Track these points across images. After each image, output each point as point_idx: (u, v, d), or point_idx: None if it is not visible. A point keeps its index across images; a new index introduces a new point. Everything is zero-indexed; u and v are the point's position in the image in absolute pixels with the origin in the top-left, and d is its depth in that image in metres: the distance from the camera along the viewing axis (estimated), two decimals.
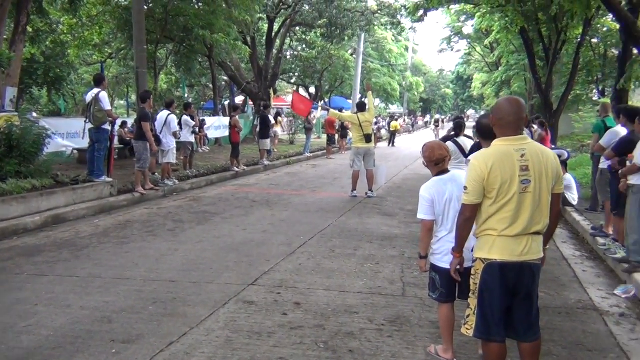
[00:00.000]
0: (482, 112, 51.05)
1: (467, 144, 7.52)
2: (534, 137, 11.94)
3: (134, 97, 30.06)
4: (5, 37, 13.32)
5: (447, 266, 3.56)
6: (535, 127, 11.92)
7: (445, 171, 3.80)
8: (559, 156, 7.51)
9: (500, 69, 33.40)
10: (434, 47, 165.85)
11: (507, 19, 18.10)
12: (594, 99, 26.43)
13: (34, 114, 11.04)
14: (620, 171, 5.88)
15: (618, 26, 15.63)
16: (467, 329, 3.21)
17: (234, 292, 5.03)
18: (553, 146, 12.70)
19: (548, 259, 6.30)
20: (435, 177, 3.78)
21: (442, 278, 3.66)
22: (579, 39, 18.50)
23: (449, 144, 7.29)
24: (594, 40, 22.94)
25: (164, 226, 7.87)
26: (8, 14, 12.65)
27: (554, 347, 4.04)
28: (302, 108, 13.84)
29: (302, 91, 37.37)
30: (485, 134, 4.30)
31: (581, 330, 4.37)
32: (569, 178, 9.22)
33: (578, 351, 4.00)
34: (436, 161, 3.77)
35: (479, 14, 22.08)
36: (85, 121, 9.84)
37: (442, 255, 3.67)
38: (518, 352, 3.24)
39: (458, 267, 3.34)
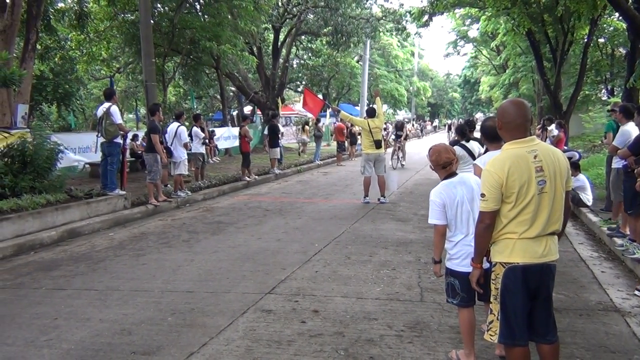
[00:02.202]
0: (491, 115, 51.00)
1: (476, 147, 7.49)
2: (549, 139, 11.90)
3: (143, 111, 30.35)
4: (15, 54, 13.50)
5: (466, 270, 3.54)
6: (550, 128, 11.87)
7: (453, 174, 3.78)
8: (570, 158, 7.48)
9: (507, 71, 33.37)
10: (440, 52, 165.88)
11: (513, 21, 18.10)
12: (603, 98, 26.33)
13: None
14: (635, 170, 5.84)
15: (624, 25, 15.62)
16: (490, 335, 3.18)
17: (252, 301, 5.03)
18: (565, 147, 12.63)
19: (566, 261, 6.32)
20: (444, 181, 3.76)
21: (463, 283, 3.61)
22: (585, 39, 18.46)
23: (457, 148, 7.26)
24: (601, 40, 22.87)
25: (179, 237, 7.90)
26: (17, 32, 12.83)
27: (577, 349, 4.00)
28: (312, 107, 13.81)
29: None
30: (491, 136, 4.28)
31: (603, 332, 4.33)
32: (582, 179, 9.17)
33: (601, 353, 3.96)
34: (443, 164, 3.76)
35: (484, 17, 22.12)
36: (97, 135, 9.93)
37: (460, 260, 3.64)
38: (538, 355, 3.21)
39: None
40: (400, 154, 19.89)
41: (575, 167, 9.24)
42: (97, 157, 11.18)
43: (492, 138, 4.27)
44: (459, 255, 3.65)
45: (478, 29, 33.43)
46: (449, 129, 42.52)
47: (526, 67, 28.97)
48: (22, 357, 3.93)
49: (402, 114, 59.86)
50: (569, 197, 3.16)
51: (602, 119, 22.96)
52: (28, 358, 3.92)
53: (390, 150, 19.15)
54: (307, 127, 23.84)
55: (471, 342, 3.72)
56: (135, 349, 4.03)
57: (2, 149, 8.88)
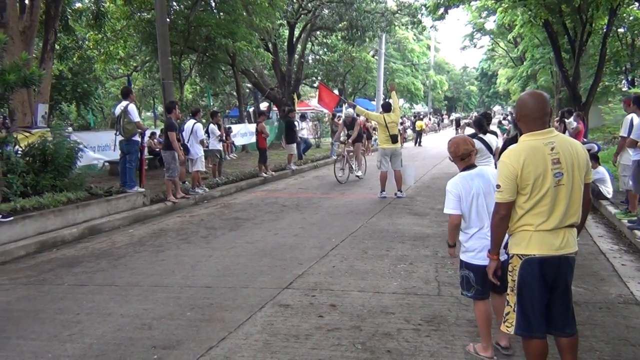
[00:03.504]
0: (509, 108, 50.46)
1: (494, 141, 7.44)
2: (568, 131, 11.77)
3: (160, 108, 30.59)
4: (34, 55, 13.70)
5: (481, 263, 3.57)
6: (568, 120, 11.73)
7: (472, 166, 3.78)
8: (589, 150, 7.40)
9: (525, 63, 32.97)
10: (457, 45, 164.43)
11: (530, 12, 17.91)
12: (623, 89, 25.90)
13: (69, 129, 11.70)
14: None
15: None
16: (507, 326, 3.18)
17: (270, 296, 5.07)
18: (585, 139, 12.47)
19: (585, 254, 6.27)
20: (462, 172, 3.77)
21: (477, 275, 3.64)
22: (604, 29, 18.18)
23: (475, 141, 7.21)
24: (620, 30, 22.50)
25: (197, 233, 7.98)
26: (36, 33, 13.01)
27: (596, 342, 3.97)
28: (327, 102, 13.78)
29: None
30: None
31: (624, 325, 4.29)
32: (602, 171, 9.06)
33: (621, 346, 3.93)
34: (462, 156, 3.76)
35: (500, 9, 21.87)
36: (115, 134, 10.04)
37: (475, 253, 3.65)
38: (556, 347, 3.20)
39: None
40: (354, 163, 14.26)
41: (595, 159, 9.13)
42: (116, 155, 11.33)
43: None
44: (474, 248, 3.66)
45: (494, 21, 33.12)
46: (457, 124, 35.60)
47: (544, 58, 28.62)
48: (45, 352, 4.01)
49: (418, 108, 59.53)
50: (588, 189, 3.14)
51: (622, 110, 22.61)
52: (52, 352, 4.00)
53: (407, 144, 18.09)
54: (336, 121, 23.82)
55: (488, 334, 3.73)
56: (156, 344, 4.09)
57: (23, 148, 9.04)
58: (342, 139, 15.00)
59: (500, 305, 3.77)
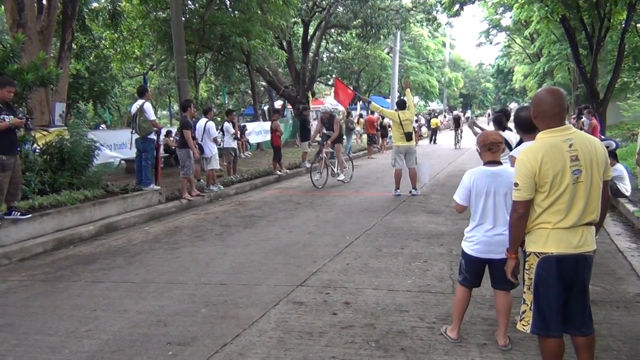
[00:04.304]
0: (525, 105, 49.94)
1: (513, 137, 7.37)
2: (585, 129, 11.64)
3: (176, 107, 30.81)
4: (52, 54, 13.87)
5: (475, 255, 3.74)
6: (583, 118, 11.60)
7: (497, 163, 3.76)
8: (607, 147, 7.31)
9: (541, 59, 32.64)
10: (472, 41, 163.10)
11: (546, 8, 17.70)
12: None
13: (103, 126, 11.81)
14: None
15: None
16: (523, 325, 3.15)
17: (284, 293, 5.08)
18: (602, 137, 12.31)
19: (603, 252, 6.20)
20: (483, 167, 3.76)
21: (468, 265, 3.81)
22: (623, 25, 17.92)
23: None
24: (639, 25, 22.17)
25: (212, 231, 8.02)
26: (54, 32, 13.17)
27: (614, 342, 3.92)
28: (342, 99, 13.75)
29: None
30: (526, 127, 4.19)
31: None
32: (620, 168, 8.94)
33: (639, 346, 3.87)
34: (489, 145, 3.74)
35: (517, 4, 21.66)
36: (131, 132, 10.12)
37: (472, 244, 3.76)
38: (573, 347, 3.17)
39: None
40: (335, 166, 13.11)
41: (613, 156, 9.01)
42: (132, 153, 11.43)
43: (527, 129, 4.19)
44: (473, 240, 3.76)
45: (511, 17, 32.86)
46: (457, 124, 27.00)
47: (561, 55, 28.31)
48: (63, 347, 4.06)
49: (433, 106, 59.22)
50: (607, 187, 3.09)
51: None
52: (69, 348, 4.05)
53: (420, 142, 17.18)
54: (361, 120, 23.79)
55: (460, 317, 3.94)
56: (171, 340, 4.12)
57: (41, 146, 9.15)
58: (317, 138, 13.51)
59: (503, 304, 3.78)
